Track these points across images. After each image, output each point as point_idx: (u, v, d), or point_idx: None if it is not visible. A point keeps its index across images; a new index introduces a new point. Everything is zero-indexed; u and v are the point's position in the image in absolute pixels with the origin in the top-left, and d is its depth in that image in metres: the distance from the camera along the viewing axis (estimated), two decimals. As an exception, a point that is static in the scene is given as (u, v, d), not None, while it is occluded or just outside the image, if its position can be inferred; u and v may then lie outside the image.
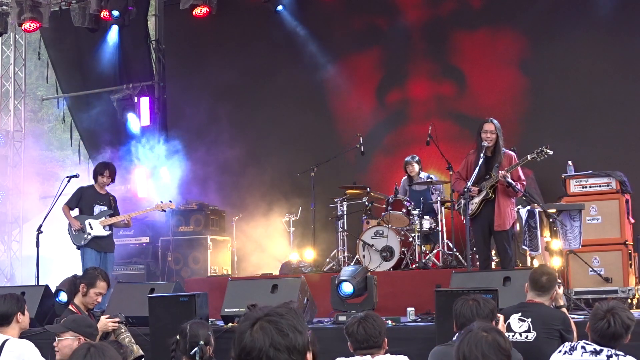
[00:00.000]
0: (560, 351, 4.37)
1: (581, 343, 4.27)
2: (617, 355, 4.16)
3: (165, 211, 10.01)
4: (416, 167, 10.11)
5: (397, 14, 11.21)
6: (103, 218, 9.16)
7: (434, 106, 10.11)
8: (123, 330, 5.62)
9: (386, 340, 4.47)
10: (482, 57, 10.72)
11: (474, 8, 10.63)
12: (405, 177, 10.28)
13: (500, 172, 7.70)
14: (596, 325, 4.23)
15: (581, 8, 10.56)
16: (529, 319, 5.17)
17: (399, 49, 11.06)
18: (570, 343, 4.39)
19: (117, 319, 5.64)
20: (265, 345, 2.25)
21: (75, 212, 9.27)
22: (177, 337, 4.71)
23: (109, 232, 9.21)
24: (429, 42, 10.92)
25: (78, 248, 9.15)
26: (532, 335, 5.12)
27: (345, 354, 4.50)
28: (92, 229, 9.06)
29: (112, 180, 9.46)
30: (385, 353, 4.41)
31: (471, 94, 10.77)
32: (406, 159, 10.17)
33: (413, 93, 11.16)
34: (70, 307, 6.28)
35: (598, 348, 4.18)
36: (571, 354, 4.25)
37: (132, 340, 5.60)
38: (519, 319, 5.19)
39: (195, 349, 4.49)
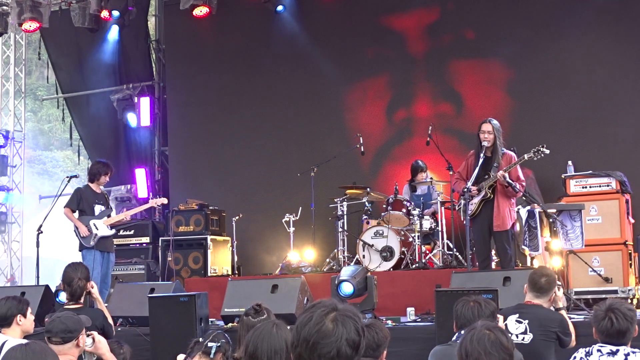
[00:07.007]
0: (575, 357, 4.34)
1: (596, 347, 4.24)
2: (634, 352, 4.16)
3: (159, 207, 10.13)
4: (423, 171, 10.31)
5: (403, 45, 11.83)
6: (105, 218, 9.08)
7: (435, 123, 10.49)
8: None
9: (385, 352, 4.35)
10: (476, 80, 11.38)
11: (468, 39, 11.41)
12: (407, 184, 10.36)
13: (499, 172, 7.71)
14: (600, 326, 4.22)
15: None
16: (526, 321, 5.13)
17: (405, 75, 11.77)
18: (585, 348, 4.34)
19: None
20: (342, 338, 2.29)
21: (76, 214, 9.21)
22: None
23: (114, 232, 9.22)
24: (431, 68, 11.61)
25: (81, 250, 9.01)
26: (528, 337, 5.09)
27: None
28: (97, 229, 8.97)
29: None
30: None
31: (467, 113, 11.24)
32: (414, 164, 10.37)
33: (417, 112, 11.68)
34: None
35: (614, 349, 4.17)
36: (587, 358, 4.24)
37: None
38: (516, 321, 5.15)
39: (214, 344, 4.34)
